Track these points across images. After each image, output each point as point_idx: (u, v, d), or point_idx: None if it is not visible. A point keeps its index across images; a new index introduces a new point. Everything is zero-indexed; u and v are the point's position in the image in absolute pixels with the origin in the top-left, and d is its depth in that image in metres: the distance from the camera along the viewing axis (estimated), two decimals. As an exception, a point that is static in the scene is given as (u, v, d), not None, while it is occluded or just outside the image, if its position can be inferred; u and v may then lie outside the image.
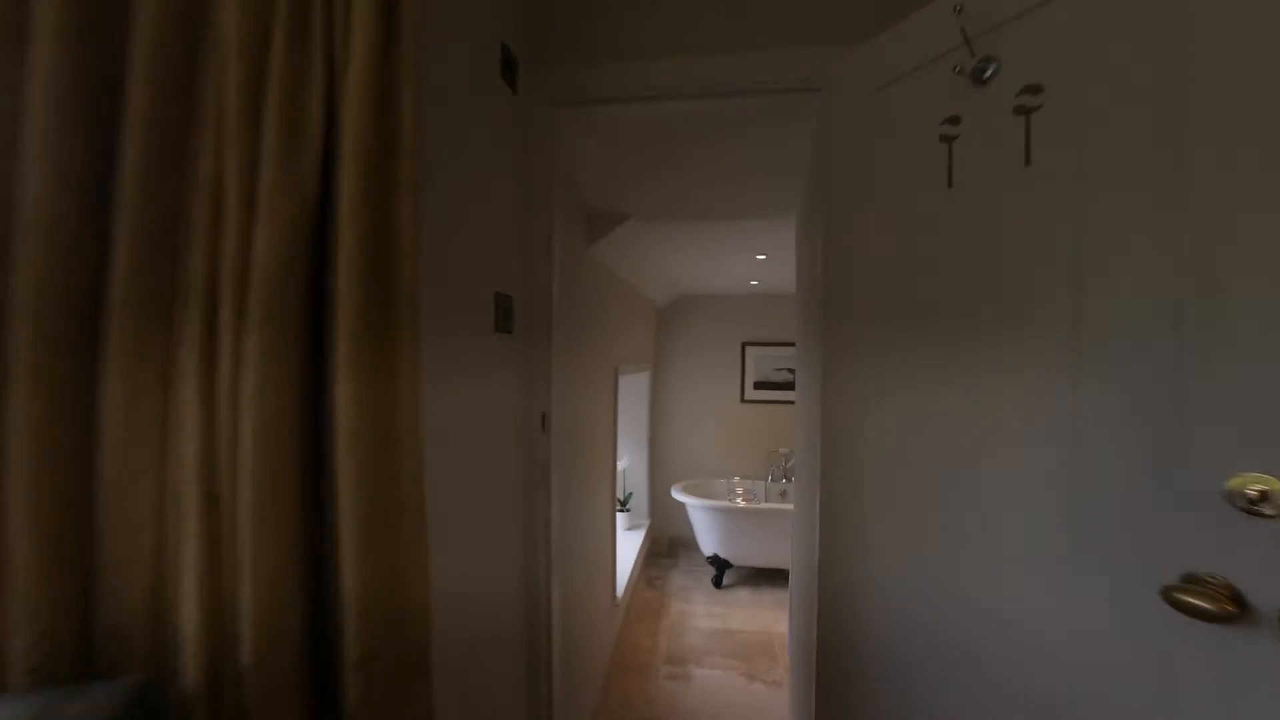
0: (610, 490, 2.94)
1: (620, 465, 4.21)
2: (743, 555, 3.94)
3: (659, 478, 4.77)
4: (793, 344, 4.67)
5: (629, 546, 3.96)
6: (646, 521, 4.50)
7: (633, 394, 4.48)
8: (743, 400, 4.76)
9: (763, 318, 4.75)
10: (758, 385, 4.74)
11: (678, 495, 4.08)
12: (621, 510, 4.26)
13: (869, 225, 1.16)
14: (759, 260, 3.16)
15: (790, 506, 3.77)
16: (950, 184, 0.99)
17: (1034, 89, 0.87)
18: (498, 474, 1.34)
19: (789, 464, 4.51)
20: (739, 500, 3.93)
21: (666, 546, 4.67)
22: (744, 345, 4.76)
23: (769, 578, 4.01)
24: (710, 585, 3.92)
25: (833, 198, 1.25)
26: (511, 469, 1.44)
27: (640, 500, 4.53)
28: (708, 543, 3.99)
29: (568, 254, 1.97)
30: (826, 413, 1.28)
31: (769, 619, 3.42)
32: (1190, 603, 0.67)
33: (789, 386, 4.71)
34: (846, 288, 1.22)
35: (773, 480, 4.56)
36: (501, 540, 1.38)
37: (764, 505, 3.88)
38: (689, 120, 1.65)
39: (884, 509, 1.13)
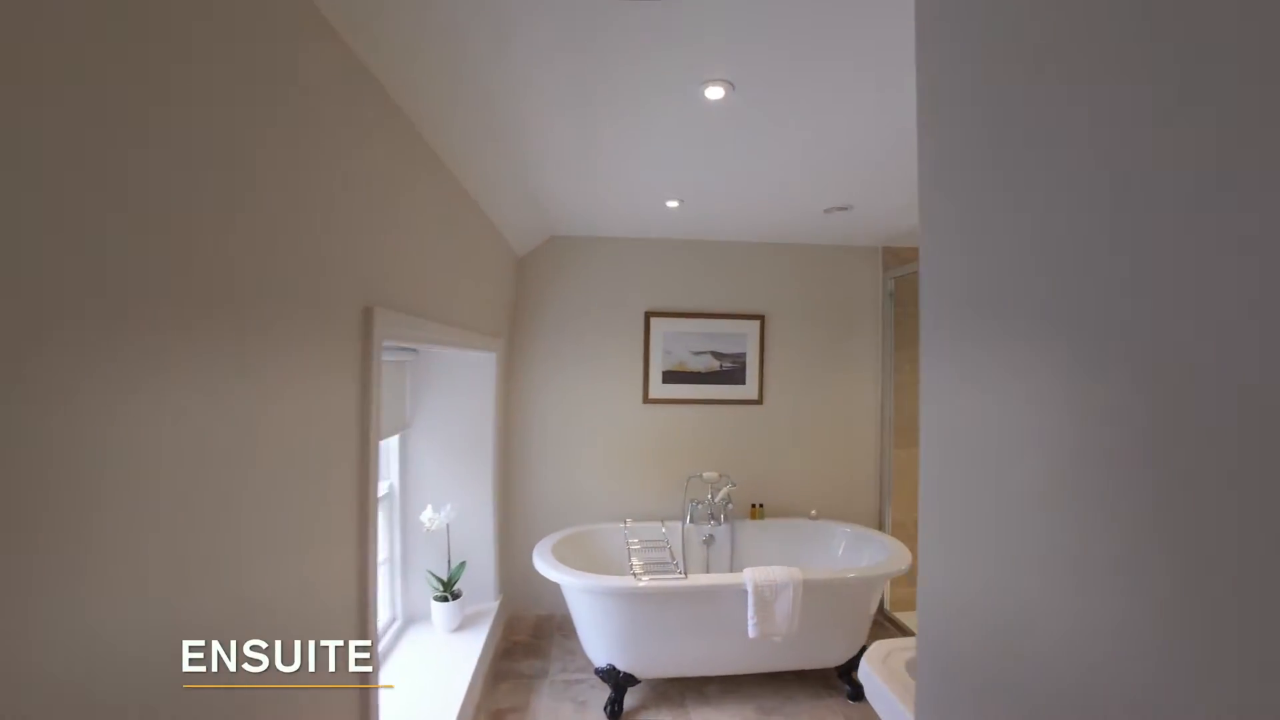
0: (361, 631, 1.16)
1: (444, 518, 2.39)
2: (657, 663, 2.32)
3: (515, 529, 3.01)
4: (727, 315, 3.12)
5: (454, 668, 2.17)
6: (495, 603, 2.72)
7: (465, 386, 2.68)
8: (646, 400, 3.16)
9: (679, 274, 3.17)
10: (668, 377, 3.16)
11: (547, 570, 2.35)
12: (444, 599, 2.43)
13: None
14: (712, 102, 1.53)
15: (741, 577, 2.21)
16: None
17: None
18: None
19: (718, 497, 2.97)
20: (638, 569, 2.30)
21: (530, 634, 2.92)
22: (648, 315, 3.15)
23: (696, 691, 2.43)
24: (603, 716, 2.26)
25: None
26: None
27: (484, 569, 2.72)
28: (598, 646, 2.32)
29: None
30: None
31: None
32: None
33: (716, 379, 3.19)
34: None
35: (693, 521, 2.99)
36: None
37: (692, 582, 2.28)
38: None
39: None
